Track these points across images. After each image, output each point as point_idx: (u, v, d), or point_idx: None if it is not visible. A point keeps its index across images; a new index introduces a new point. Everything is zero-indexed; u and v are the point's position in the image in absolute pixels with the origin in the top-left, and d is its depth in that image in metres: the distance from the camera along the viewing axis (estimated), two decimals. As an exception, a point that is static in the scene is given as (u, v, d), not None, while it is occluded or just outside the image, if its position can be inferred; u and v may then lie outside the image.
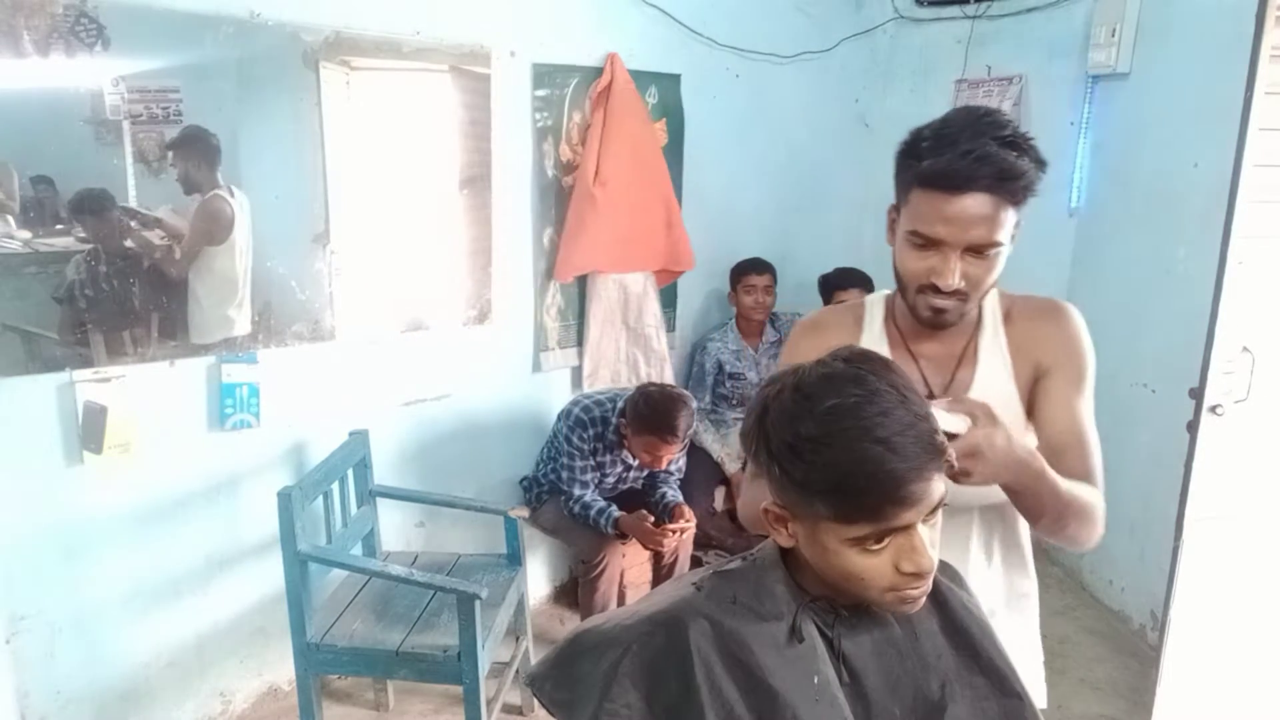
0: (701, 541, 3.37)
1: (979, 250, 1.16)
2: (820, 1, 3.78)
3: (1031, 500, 1.15)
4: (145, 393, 2.35)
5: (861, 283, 3.45)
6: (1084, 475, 1.21)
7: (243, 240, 2.46)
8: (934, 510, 0.87)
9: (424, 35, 2.69)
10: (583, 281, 3.30)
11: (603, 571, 2.86)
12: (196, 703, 2.62)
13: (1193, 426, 2.23)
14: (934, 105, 3.78)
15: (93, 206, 2.22)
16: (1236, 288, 2.12)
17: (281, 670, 2.72)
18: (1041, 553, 3.66)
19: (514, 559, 2.72)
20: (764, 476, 0.91)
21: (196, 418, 2.48)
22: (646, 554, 3.04)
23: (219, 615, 2.62)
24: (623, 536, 2.89)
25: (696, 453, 3.41)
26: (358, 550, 2.68)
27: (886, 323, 1.35)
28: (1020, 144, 1.14)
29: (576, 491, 2.91)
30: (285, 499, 2.21)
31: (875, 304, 1.37)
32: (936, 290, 1.19)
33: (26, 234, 2.16)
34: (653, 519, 2.84)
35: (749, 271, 3.54)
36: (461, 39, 2.78)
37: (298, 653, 2.32)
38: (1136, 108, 3.04)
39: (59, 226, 2.20)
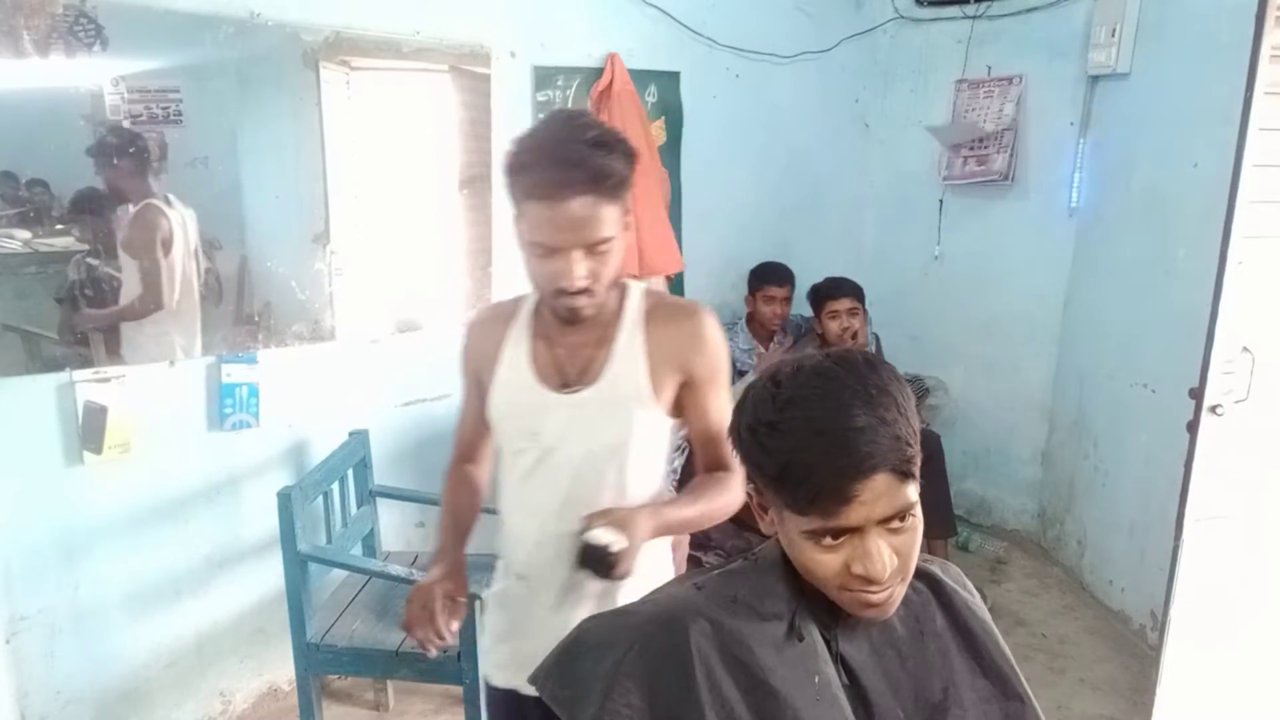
0: (701, 543, 3.36)
1: (593, 247, 1.28)
2: (820, 1, 3.78)
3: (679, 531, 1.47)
4: (145, 393, 2.35)
5: (853, 292, 3.33)
6: (727, 458, 1.42)
7: (181, 253, 2.33)
8: (896, 518, 0.84)
9: (424, 35, 2.69)
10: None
11: None
12: (196, 703, 2.62)
13: (1193, 426, 2.22)
14: (934, 105, 3.79)
15: (92, 206, 2.22)
16: (1236, 288, 2.12)
17: (281, 670, 2.72)
18: (1042, 553, 3.66)
19: (514, 559, 2.71)
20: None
21: (196, 418, 2.48)
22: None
23: (219, 615, 2.62)
24: None
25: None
26: (358, 550, 2.68)
27: (534, 314, 1.45)
28: (609, 143, 1.25)
29: None
30: (285, 499, 2.21)
31: (532, 296, 1.46)
32: (566, 291, 1.30)
33: (26, 234, 2.16)
34: None
35: (770, 282, 3.47)
36: (461, 39, 2.78)
37: (298, 653, 2.32)
38: (1136, 108, 3.03)
39: (59, 227, 2.20)
